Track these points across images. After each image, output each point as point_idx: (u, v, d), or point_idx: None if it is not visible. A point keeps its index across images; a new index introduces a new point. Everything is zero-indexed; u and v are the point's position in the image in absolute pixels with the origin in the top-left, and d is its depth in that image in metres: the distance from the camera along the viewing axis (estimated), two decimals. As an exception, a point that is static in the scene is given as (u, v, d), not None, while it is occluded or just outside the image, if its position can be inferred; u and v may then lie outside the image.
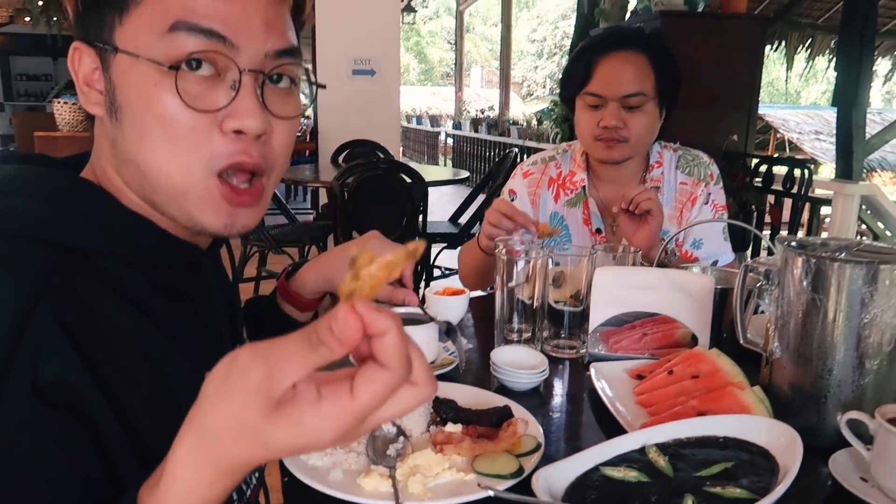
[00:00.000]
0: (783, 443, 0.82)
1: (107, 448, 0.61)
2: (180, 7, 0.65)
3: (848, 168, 5.74)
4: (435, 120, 16.86)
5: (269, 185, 0.75)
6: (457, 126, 14.26)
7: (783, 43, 8.46)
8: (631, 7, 5.75)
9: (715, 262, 1.75)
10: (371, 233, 1.04)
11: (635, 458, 0.82)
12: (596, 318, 1.27)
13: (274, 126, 0.71)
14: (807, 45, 8.55)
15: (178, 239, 0.75)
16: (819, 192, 4.92)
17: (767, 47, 7.07)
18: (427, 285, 4.52)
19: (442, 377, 1.13)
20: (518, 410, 0.99)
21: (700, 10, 4.75)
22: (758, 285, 1.29)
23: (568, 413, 1.10)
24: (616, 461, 0.82)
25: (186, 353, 0.71)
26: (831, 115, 12.92)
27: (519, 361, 1.16)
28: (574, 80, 1.69)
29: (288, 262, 1.17)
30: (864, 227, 5.55)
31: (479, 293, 1.71)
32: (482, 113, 14.46)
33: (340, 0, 6.36)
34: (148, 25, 0.66)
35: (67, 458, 0.58)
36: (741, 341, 1.09)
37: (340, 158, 5.56)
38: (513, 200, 1.85)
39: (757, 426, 0.87)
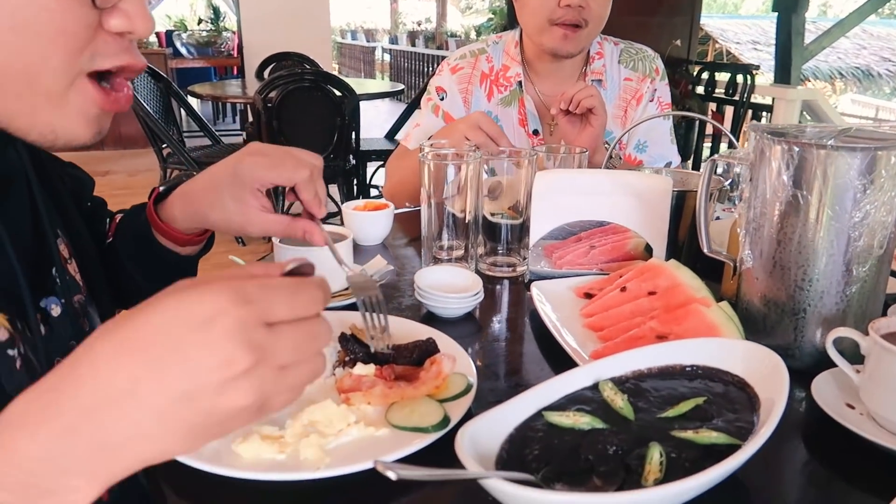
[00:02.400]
0: (763, 370, 0.67)
1: None
2: None
3: (786, 74, 5.68)
4: (370, 34, 16.07)
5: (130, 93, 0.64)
6: (393, 40, 13.63)
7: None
8: None
9: (668, 165, 1.60)
10: (251, 146, 0.80)
11: (587, 398, 0.66)
12: (538, 230, 1.09)
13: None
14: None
15: None
16: (758, 99, 4.82)
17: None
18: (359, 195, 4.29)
19: (352, 307, 0.94)
20: (445, 343, 0.82)
21: None
22: (719, 188, 1.13)
23: (507, 343, 0.94)
24: (563, 403, 0.65)
25: None
26: (769, 24, 12.86)
27: (448, 283, 0.98)
28: None
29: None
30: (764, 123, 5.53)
31: (406, 209, 1.51)
32: (419, 25, 13.84)
33: None
34: None
35: None
36: (705, 250, 0.94)
37: (266, 73, 5.14)
38: (442, 99, 1.63)
39: (730, 350, 0.71)
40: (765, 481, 0.65)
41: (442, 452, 0.63)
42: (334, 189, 4.21)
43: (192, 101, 4.91)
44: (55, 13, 0.52)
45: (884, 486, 0.64)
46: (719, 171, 0.93)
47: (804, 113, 5.08)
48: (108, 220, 0.93)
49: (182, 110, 4.79)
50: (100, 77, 0.59)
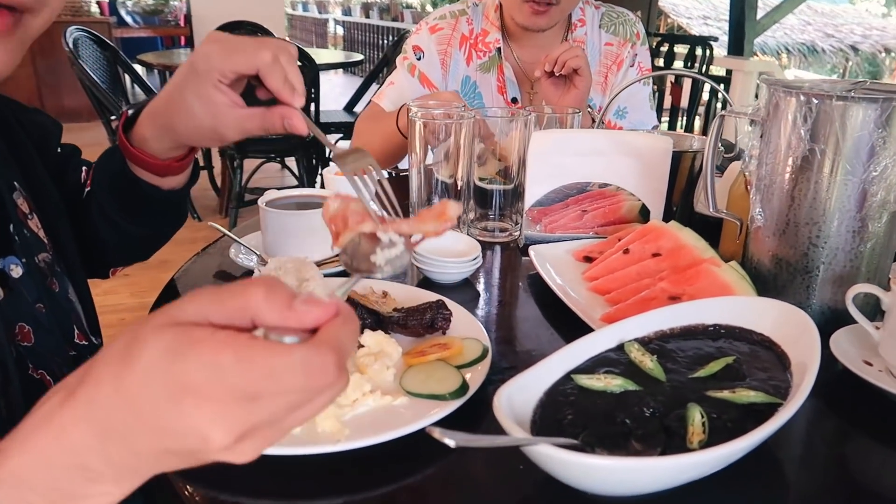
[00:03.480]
0: (789, 328, 0.65)
1: None
2: None
3: (740, 48, 5.77)
4: (322, 6, 15.69)
5: (35, 24, 0.55)
6: (346, 12, 13.33)
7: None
8: None
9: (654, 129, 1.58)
10: (210, 35, 0.69)
11: (613, 360, 0.63)
12: (534, 193, 1.06)
13: None
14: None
15: None
16: (715, 71, 4.87)
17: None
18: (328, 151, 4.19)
19: (343, 274, 0.89)
20: (453, 310, 0.77)
21: None
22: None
23: (509, 307, 0.90)
24: (590, 366, 0.62)
25: None
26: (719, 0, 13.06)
27: (445, 248, 0.94)
28: None
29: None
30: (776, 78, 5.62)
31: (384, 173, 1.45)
32: (373, -3, 13.57)
33: None
34: None
35: None
36: (711, 209, 0.91)
37: (217, 42, 4.94)
38: (419, 59, 1.55)
39: (753, 308, 0.69)
40: (786, 436, 0.63)
41: (459, 418, 0.60)
42: (292, 162, 4.10)
43: (140, 71, 4.70)
44: None
45: (907, 441, 0.63)
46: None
47: (758, 84, 5.16)
48: (85, 168, 0.85)
49: (130, 81, 4.58)
50: None
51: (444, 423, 0.59)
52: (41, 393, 0.37)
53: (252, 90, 0.69)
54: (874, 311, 0.76)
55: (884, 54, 13.91)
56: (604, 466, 0.47)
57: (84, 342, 0.73)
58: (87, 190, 0.82)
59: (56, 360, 0.68)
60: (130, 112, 0.78)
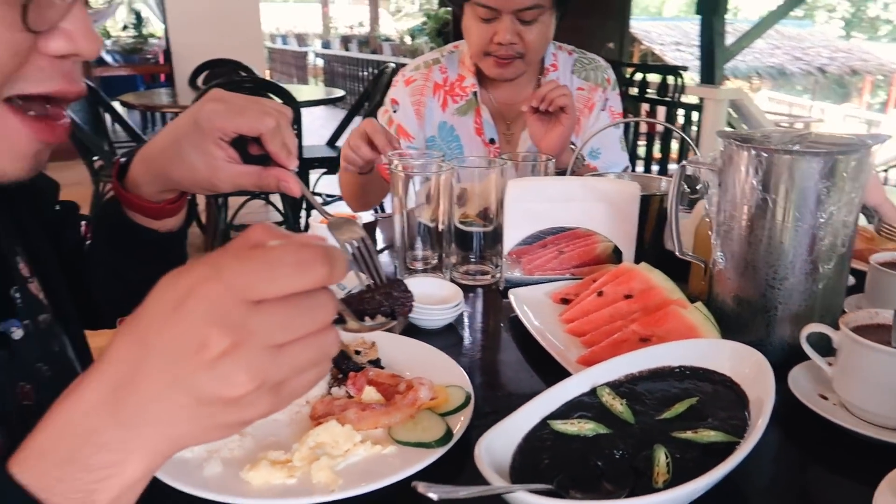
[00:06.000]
0: (747, 369, 0.71)
1: None
2: None
3: (711, 74, 5.95)
4: (302, 39, 15.85)
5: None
6: (326, 45, 13.49)
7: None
8: None
9: (625, 170, 1.65)
10: (211, 93, 0.73)
11: (587, 405, 0.68)
12: (511, 238, 1.11)
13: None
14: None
15: None
16: (687, 99, 5.01)
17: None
18: (309, 214, 4.24)
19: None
20: (438, 357, 0.82)
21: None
22: (683, 191, 1.18)
23: (490, 351, 0.95)
24: (565, 411, 0.67)
25: None
26: (690, 26, 13.38)
27: (428, 294, 0.99)
28: None
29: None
30: (731, 130, 5.79)
31: (368, 217, 1.51)
32: (351, 30, 13.75)
33: None
34: None
35: None
36: (678, 253, 0.97)
37: (199, 80, 5.00)
38: (395, 112, 1.64)
39: (715, 350, 0.75)
40: (749, 469, 0.68)
41: (445, 464, 0.64)
42: (277, 199, 4.14)
43: (120, 111, 4.74)
44: None
45: (857, 470, 0.69)
46: (689, 173, 0.96)
47: (730, 111, 5.31)
48: (84, 223, 0.88)
49: (111, 120, 4.62)
50: (29, 104, 0.54)
51: (430, 469, 0.64)
52: None
53: (244, 143, 0.74)
54: (828, 346, 0.82)
55: (850, 76, 14.31)
56: (577, 509, 0.52)
57: None
58: (87, 243, 0.86)
59: (4, 420, 0.71)
60: (123, 160, 0.82)
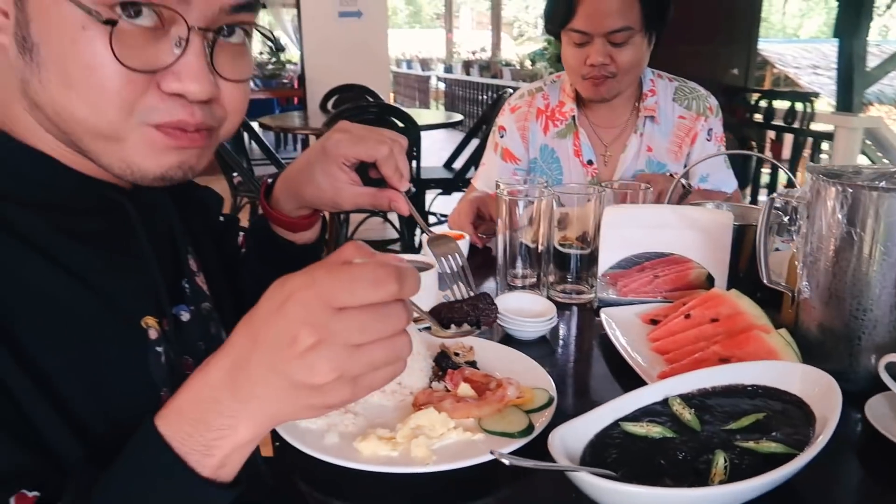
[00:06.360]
0: (818, 390, 0.75)
1: (24, 411, 0.56)
2: None
3: (848, 101, 5.61)
4: (425, 64, 16.44)
5: (219, 134, 0.68)
6: (448, 69, 13.91)
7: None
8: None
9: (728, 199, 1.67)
10: (338, 125, 0.87)
11: (658, 412, 0.75)
12: (606, 261, 1.19)
13: (223, 89, 0.63)
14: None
15: (91, 179, 0.67)
16: (818, 126, 4.79)
17: (767, -23, 6.81)
18: (422, 232, 4.44)
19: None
20: (527, 364, 0.92)
21: (699, -63, 4.52)
22: (777, 221, 1.21)
23: (579, 363, 1.03)
24: (637, 415, 0.75)
25: (104, 298, 0.64)
26: (829, 48, 12.63)
27: (524, 309, 1.08)
28: (557, 16, 1.59)
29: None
30: (866, 161, 5.45)
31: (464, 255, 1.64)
32: (473, 55, 14.09)
33: (324, -60, 6.10)
34: None
35: None
36: (765, 280, 1.01)
37: (329, 104, 5.38)
38: (502, 137, 1.78)
39: (788, 372, 0.79)
40: (821, 494, 0.72)
41: (526, 455, 0.73)
42: (394, 216, 4.36)
43: (258, 131, 5.17)
44: (97, 70, 0.56)
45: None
46: (778, 205, 1.00)
47: (866, 140, 5.01)
48: (242, 234, 1.05)
49: (248, 139, 5.04)
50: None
51: (512, 455, 0.73)
52: None
53: (366, 168, 0.88)
54: (910, 378, 0.84)
55: None
56: (633, 493, 0.60)
57: None
58: (243, 251, 1.03)
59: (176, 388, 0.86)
60: (269, 181, 0.98)
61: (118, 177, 0.64)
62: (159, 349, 0.71)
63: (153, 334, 0.71)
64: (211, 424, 0.50)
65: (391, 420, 0.79)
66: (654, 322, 1.10)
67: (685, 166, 1.67)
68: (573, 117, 1.72)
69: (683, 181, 1.48)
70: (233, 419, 0.49)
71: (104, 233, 0.68)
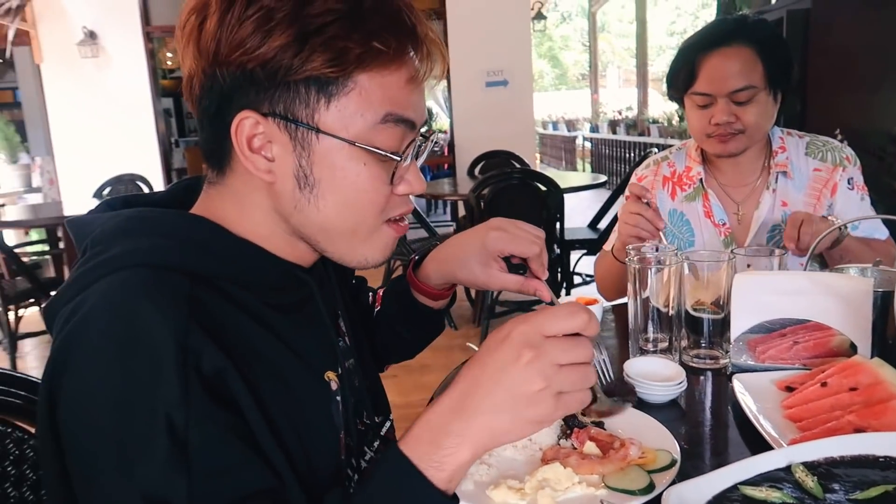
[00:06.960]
0: (957, 464, 0.73)
1: (253, 437, 0.70)
2: (387, 99, 0.74)
3: None
4: (571, 124, 16.63)
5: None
6: (594, 129, 13.99)
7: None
8: (776, -11, 5.37)
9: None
10: (492, 221, 1.02)
11: (780, 478, 0.77)
12: (738, 327, 1.20)
13: None
14: None
15: (285, 262, 0.84)
16: None
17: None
18: (568, 293, 4.47)
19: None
20: (652, 425, 0.96)
21: (857, -17, 4.33)
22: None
23: (709, 427, 1.05)
24: (757, 480, 0.77)
25: (300, 356, 0.81)
26: None
27: (654, 373, 1.12)
28: (680, 81, 1.64)
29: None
30: None
31: (619, 301, 1.68)
32: (619, 114, 14.06)
33: (471, 15, 6.50)
34: (356, 113, 0.74)
35: (242, 444, 0.68)
36: (906, 350, 0.99)
37: (476, 170, 5.64)
38: None
39: (925, 445, 0.78)
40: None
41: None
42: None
43: (410, 197, 5.49)
44: (369, 193, 0.77)
45: None
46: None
47: None
48: (371, 293, 1.20)
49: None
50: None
51: (633, 512, 0.78)
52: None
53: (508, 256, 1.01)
54: None
55: None
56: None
57: (368, 421, 1.03)
58: (377, 309, 1.18)
59: (349, 432, 0.99)
60: (416, 257, 1.13)
61: (352, 267, 0.87)
62: (338, 398, 0.87)
63: (333, 386, 0.87)
64: (442, 444, 0.62)
65: (521, 472, 0.87)
66: (789, 389, 1.09)
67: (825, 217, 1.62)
68: (700, 180, 1.74)
69: (837, 222, 1.42)
70: (458, 438, 0.62)
71: (295, 304, 0.85)
